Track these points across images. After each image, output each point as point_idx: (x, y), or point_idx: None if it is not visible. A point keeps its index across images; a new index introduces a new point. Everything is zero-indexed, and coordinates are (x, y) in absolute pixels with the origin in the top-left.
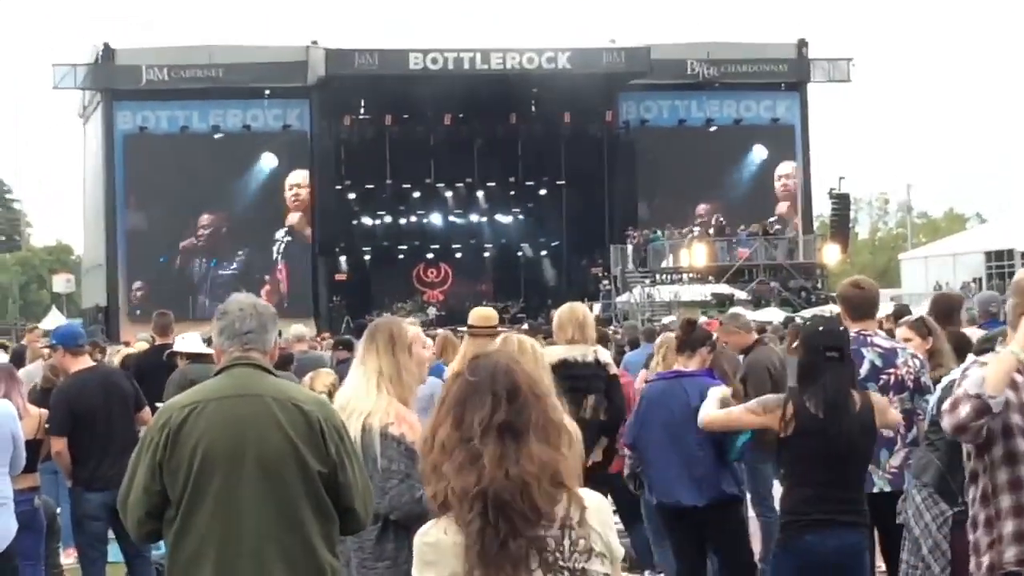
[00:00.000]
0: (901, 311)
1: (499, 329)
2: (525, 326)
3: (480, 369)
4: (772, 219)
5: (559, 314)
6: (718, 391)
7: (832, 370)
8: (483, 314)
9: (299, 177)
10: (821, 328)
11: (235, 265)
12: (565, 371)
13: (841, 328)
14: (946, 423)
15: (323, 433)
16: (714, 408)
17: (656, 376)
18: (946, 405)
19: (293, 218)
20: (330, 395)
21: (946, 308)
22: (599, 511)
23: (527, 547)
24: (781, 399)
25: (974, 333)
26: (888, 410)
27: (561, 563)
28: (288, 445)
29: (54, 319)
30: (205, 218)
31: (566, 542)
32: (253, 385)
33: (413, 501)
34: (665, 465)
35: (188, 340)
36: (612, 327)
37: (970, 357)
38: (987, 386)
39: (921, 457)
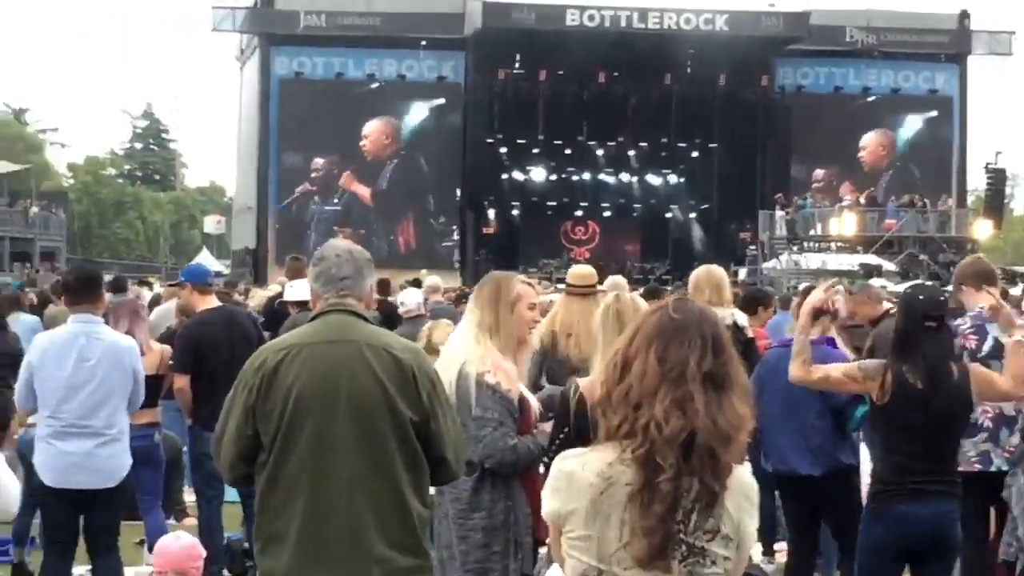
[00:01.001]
0: None
1: (597, 288)
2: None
3: (686, 310)
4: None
5: (695, 276)
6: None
7: (930, 339)
8: (580, 272)
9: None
10: (921, 296)
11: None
12: None
13: (942, 297)
14: None
15: (415, 380)
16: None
17: (776, 343)
18: None
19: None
20: None
21: None
22: (742, 493)
23: (694, 502)
24: (882, 366)
25: None
26: (995, 381)
27: (682, 535)
28: (380, 390)
29: (204, 259)
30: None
31: (693, 515)
32: (347, 331)
33: (507, 448)
34: (781, 433)
35: (296, 288)
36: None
37: None
38: None
39: None
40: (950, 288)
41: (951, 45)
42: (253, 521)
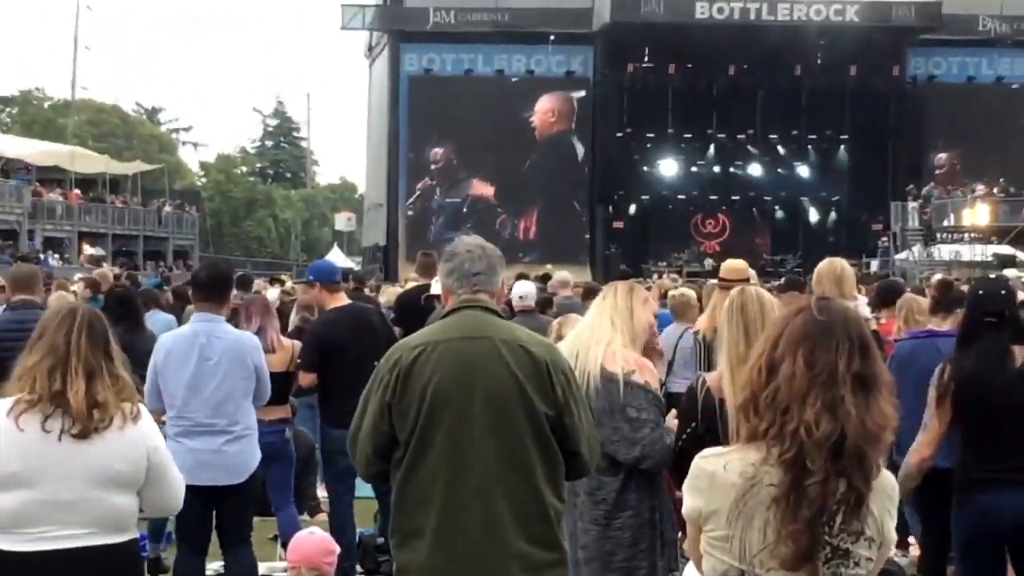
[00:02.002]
0: None
1: (751, 282)
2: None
3: (831, 311)
4: None
5: (817, 269)
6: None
7: (989, 334)
8: (734, 266)
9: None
10: (981, 291)
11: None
12: None
13: (1003, 291)
14: None
15: (550, 375)
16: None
17: (907, 335)
18: None
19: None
20: None
21: None
22: (885, 494)
23: (839, 504)
24: (939, 369)
25: None
26: None
27: (827, 537)
28: (515, 386)
29: (335, 257)
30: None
31: (838, 517)
32: (482, 327)
33: (665, 448)
34: (912, 426)
35: None
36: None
37: None
38: None
39: None
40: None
41: None
42: (388, 516)
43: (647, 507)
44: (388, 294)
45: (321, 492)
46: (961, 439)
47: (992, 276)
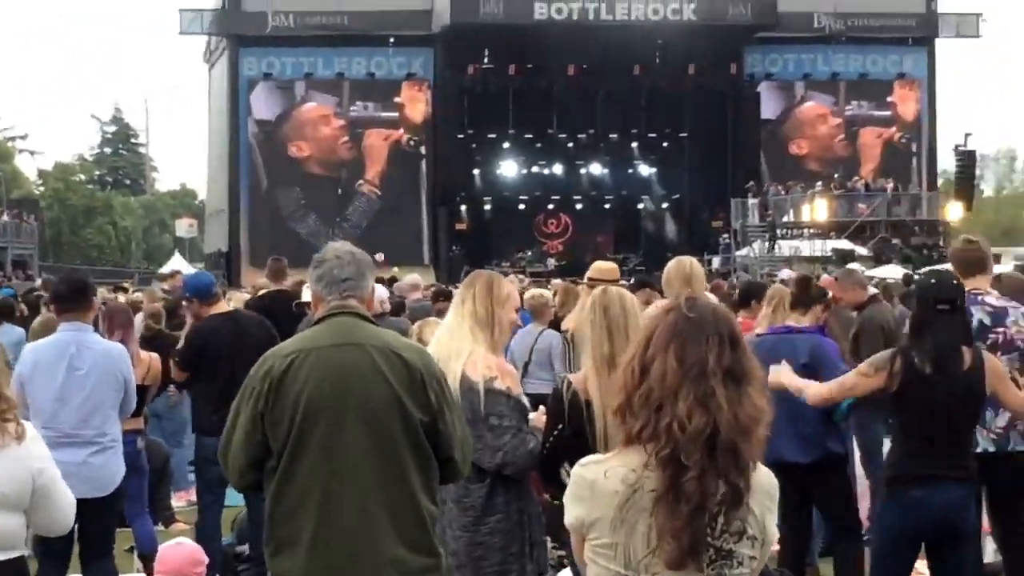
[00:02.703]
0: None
1: (620, 282)
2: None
3: (700, 308)
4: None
5: (667, 269)
6: (781, 368)
7: (943, 324)
8: (604, 267)
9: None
10: (934, 280)
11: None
12: None
13: (955, 281)
14: None
15: (423, 381)
16: (822, 384)
17: (768, 330)
18: None
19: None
20: None
21: None
22: (765, 491)
23: (720, 504)
24: (890, 355)
25: None
26: (1007, 391)
27: (710, 539)
28: (391, 394)
29: (177, 264)
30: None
31: (720, 518)
32: (354, 334)
33: (527, 454)
34: (771, 421)
35: None
36: (728, 280)
37: None
38: None
39: None
40: None
41: (919, 28)
42: (258, 525)
43: (515, 510)
44: (236, 300)
45: (176, 501)
46: (898, 434)
47: (940, 268)
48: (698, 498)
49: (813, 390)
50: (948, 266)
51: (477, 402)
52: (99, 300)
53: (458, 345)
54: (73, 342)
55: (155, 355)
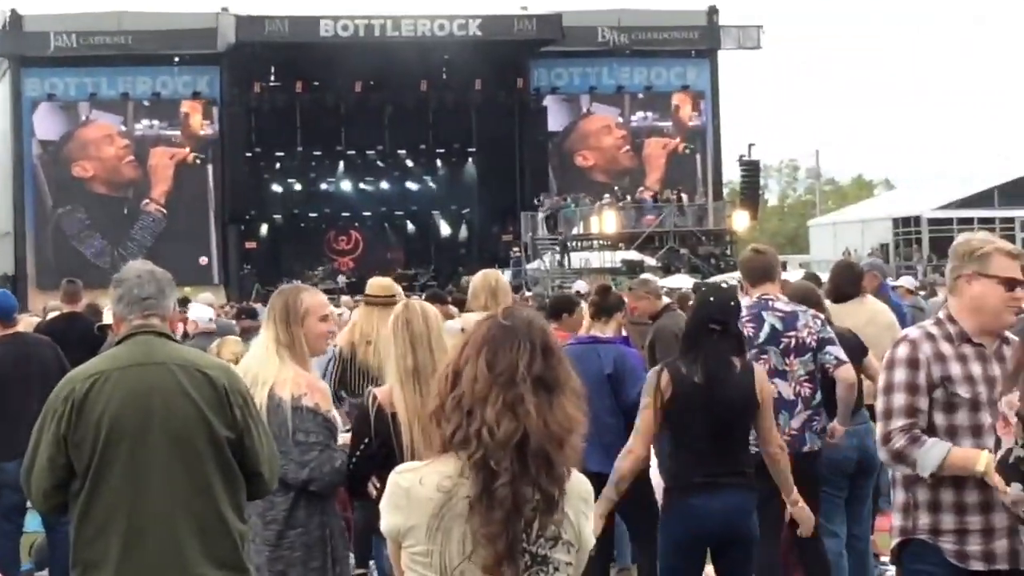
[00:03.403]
0: (809, 278)
1: (397, 298)
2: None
3: (514, 316)
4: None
5: (472, 282)
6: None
7: (712, 343)
8: (380, 283)
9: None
10: (712, 299)
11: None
12: None
13: (732, 302)
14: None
15: (228, 398)
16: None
17: (572, 340)
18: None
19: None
20: (236, 363)
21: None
22: (579, 497)
23: (534, 511)
24: (654, 373)
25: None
26: (768, 404)
27: (524, 545)
28: (196, 412)
29: None
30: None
31: (535, 524)
32: (156, 353)
33: (334, 471)
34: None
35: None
36: (521, 293)
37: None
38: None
39: None
40: None
41: (701, 41)
42: (58, 550)
43: (316, 524)
44: (25, 324)
45: None
46: (672, 445)
47: (724, 285)
48: (511, 503)
49: (625, 463)
50: (736, 275)
51: (285, 419)
52: None
53: (265, 371)
54: None
55: None
